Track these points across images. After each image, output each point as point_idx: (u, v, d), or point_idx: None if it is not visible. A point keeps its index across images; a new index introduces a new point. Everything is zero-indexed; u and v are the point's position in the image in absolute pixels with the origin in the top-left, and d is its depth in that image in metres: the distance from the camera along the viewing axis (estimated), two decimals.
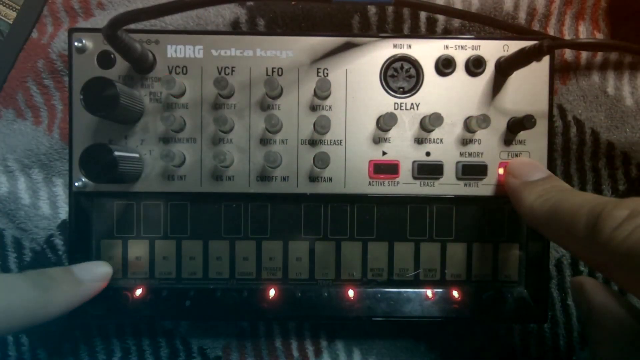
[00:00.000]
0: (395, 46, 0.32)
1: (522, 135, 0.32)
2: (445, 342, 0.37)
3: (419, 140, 0.32)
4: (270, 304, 0.33)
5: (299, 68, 0.32)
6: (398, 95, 0.32)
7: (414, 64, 0.32)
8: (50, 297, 0.26)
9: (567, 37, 0.36)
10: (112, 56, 0.31)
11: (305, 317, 0.35)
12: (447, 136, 0.32)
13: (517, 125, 0.31)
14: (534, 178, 0.29)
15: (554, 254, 0.37)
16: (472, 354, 0.37)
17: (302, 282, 0.34)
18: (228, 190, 0.32)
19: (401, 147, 0.32)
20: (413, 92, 0.32)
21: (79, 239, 0.33)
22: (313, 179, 0.32)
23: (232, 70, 0.32)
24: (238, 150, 0.32)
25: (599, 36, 0.36)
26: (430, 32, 0.36)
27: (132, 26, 0.27)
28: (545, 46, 0.29)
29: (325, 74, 0.32)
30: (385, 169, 0.32)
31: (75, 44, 0.31)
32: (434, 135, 0.32)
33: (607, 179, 0.36)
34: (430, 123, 0.31)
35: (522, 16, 0.36)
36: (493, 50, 0.32)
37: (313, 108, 0.32)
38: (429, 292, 0.34)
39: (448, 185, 0.32)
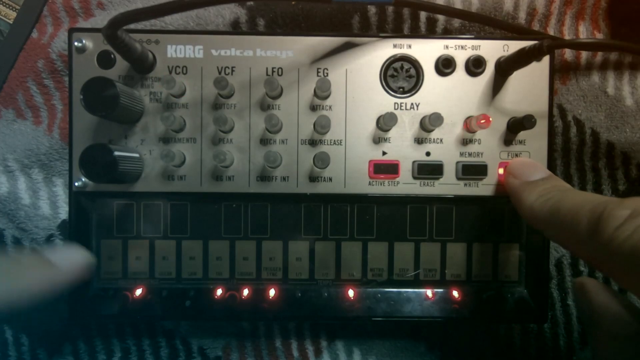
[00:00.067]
0: (395, 46, 0.32)
1: (522, 135, 0.32)
2: (445, 342, 0.37)
3: (419, 140, 0.32)
4: (270, 304, 0.33)
5: (299, 68, 0.32)
6: (398, 95, 0.32)
7: (414, 64, 0.32)
8: (17, 281, 0.26)
9: (567, 37, 0.36)
10: (112, 56, 0.31)
11: (305, 317, 0.35)
12: (447, 136, 0.32)
13: (517, 125, 0.31)
14: (534, 178, 0.29)
15: (554, 254, 0.37)
16: (472, 354, 0.37)
17: (302, 282, 0.34)
18: (228, 190, 0.32)
19: (401, 147, 0.32)
20: (413, 92, 0.32)
21: (79, 239, 0.33)
22: (313, 179, 0.32)
23: (232, 70, 0.32)
24: (238, 150, 0.32)
25: (599, 36, 0.36)
26: (430, 32, 0.36)
27: (132, 26, 0.27)
28: (545, 46, 0.29)
29: (325, 74, 0.32)
30: (385, 169, 0.32)
31: (75, 44, 0.31)
32: (434, 135, 0.32)
33: (607, 179, 0.36)
34: (430, 123, 0.31)
35: (522, 16, 0.36)
36: (493, 50, 0.32)
37: (313, 108, 0.32)
38: (429, 292, 0.34)
39: (448, 185, 0.32)
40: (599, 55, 0.36)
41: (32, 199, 0.36)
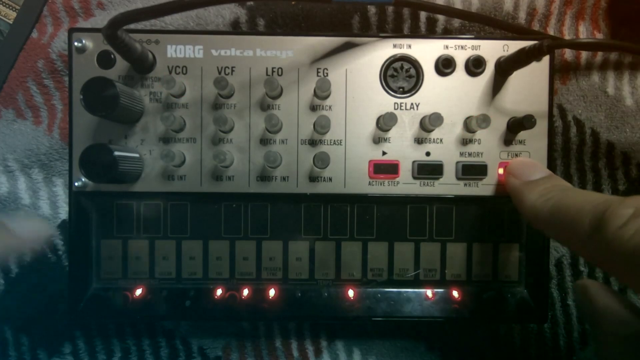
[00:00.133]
0: (395, 46, 0.32)
1: (522, 135, 0.32)
2: (445, 342, 0.37)
3: (419, 140, 0.32)
4: (270, 304, 0.33)
5: (299, 68, 0.32)
6: (398, 95, 0.32)
7: (414, 64, 0.32)
8: None
9: (567, 37, 0.36)
10: (112, 56, 0.31)
11: (305, 317, 0.35)
12: (447, 136, 0.32)
13: (517, 125, 0.31)
14: (534, 177, 0.29)
15: (554, 254, 0.37)
16: (472, 354, 0.37)
17: (302, 282, 0.34)
18: (228, 190, 0.32)
19: (401, 147, 0.32)
20: (413, 92, 0.32)
21: (79, 239, 0.33)
22: (313, 179, 0.32)
23: (232, 70, 0.32)
24: (238, 150, 0.32)
25: (599, 36, 0.36)
26: (430, 32, 0.36)
27: (132, 26, 0.27)
28: (545, 46, 0.29)
29: (325, 74, 0.32)
30: (385, 169, 0.32)
31: (75, 44, 0.31)
32: (434, 135, 0.32)
33: (607, 179, 0.36)
34: (430, 123, 0.31)
35: (522, 16, 0.36)
36: (493, 50, 0.32)
37: (313, 108, 0.32)
38: (429, 292, 0.34)
39: (448, 185, 0.32)
40: (599, 55, 0.36)
41: (32, 199, 0.36)
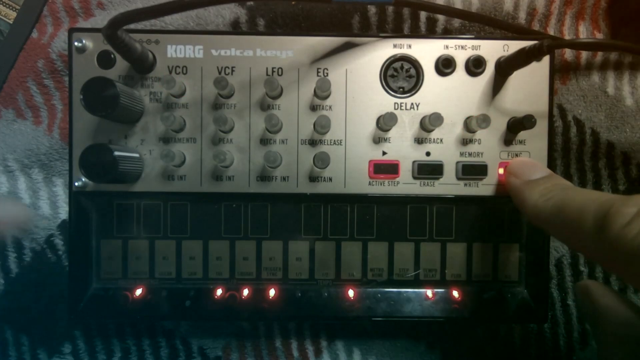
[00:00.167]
0: (395, 46, 0.32)
1: (522, 135, 0.32)
2: (445, 342, 0.37)
3: (419, 140, 0.32)
4: (270, 304, 0.33)
5: (299, 68, 0.32)
6: (398, 95, 0.32)
7: (414, 64, 0.32)
8: None
9: (567, 37, 0.36)
10: (112, 56, 0.31)
11: (305, 317, 0.35)
12: (447, 136, 0.32)
13: (517, 125, 0.31)
14: (535, 177, 0.29)
15: (554, 254, 0.37)
16: (472, 354, 0.37)
17: (302, 282, 0.34)
18: (228, 190, 0.32)
19: (401, 147, 0.32)
20: (413, 92, 0.32)
21: (79, 239, 0.33)
22: (313, 179, 0.32)
23: (232, 70, 0.32)
24: (238, 150, 0.32)
25: (599, 36, 0.36)
26: (430, 32, 0.36)
27: (132, 26, 0.27)
28: (545, 46, 0.29)
29: (325, 74, 0.32)
30: (385, 169, 0.32)
31: (75, 44, 0.31)
32: (434, 135, 0.32)
33: (607, 179, 0.36)
34: (430, 123, 0.31)
35: (522, 16, 0.36)
36: (493, 50, 0.32)
37: (313, 108, 0.32)
38: (429, 292, 0.34)
39: (448, 185, 0.32)
40: (599, 55, 0.36)
41: (32, 199, 0.36)
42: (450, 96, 0.32)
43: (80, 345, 0.36)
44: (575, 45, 0.33)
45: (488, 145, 0.32)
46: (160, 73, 0.32)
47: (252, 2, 0.35)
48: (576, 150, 0.36)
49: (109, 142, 0.31)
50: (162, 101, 0.32)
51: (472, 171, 0.32)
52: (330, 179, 0.32)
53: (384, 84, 0.32)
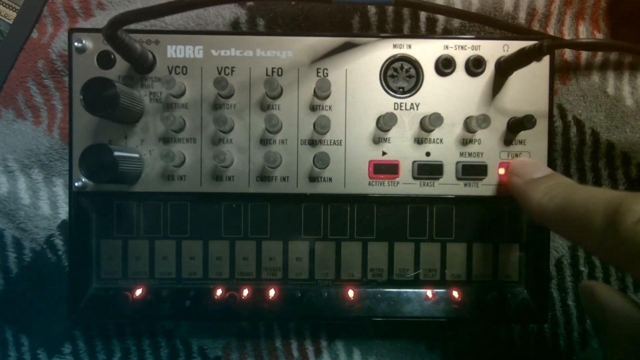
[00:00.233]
0: (395, 46, 0.32)
1: (522, 135, 0.32)
2: (445, 342, 0.37)
3: (419, 140, 0.32)
4: (270, 304, 0.33)
5: (299, 68, 0.32)
6: (398, 95, 0.32)
7: (414, 64, 0.32)
8: None
9: (567, 37, 0.36)
10: (112, 56, 0.31)
11: (305, 317, 0.35)
12: (447, 136, 0.32)
13: (517, 125, 0.31)
14: (537, 176, 0.28)
15: (554, 254, 0.37)
16: (472, 354, 0.37)
17: (302, 282, 0.34)
18: (228, 190, 0.32)
19: (401, 147, 0.32)
20: (413, 92, 0.32)
21: (79, 239, 0.33)
22: (313, 179, 0.32)
23: (232, 70, 0.32)
24: (238, 150, 0.32)
25: (599, 36, 0.36)
26: (430, 32, 0.36)
27: (132, 26, 0.27)
28: (545, 46, 0.29)
29: (325, 74, 0.32)
30: (385, 169, 0.32)
31: (75, 44, 0.31)
32: (434, 135, 0.32)
33: (607, 179, 0.36)
34: (430, 123, 0.31)
35: (522, 16, 0.36)
36: (493, 50, 0.32)
37: (313, 108, 0.32)
38: (429, 293, 0.34)
39: (448, 185, 0.32)
40: (599, 55, 0.36)
41: (32, 199, 0.36)
42: (450, 96, 0.32)
43: (80, 345, 0.36)
44: (575, 45, 0.33)
45: (488, 145, 0.32)
46: (160, 73, 0.32)
47: (252, 2, 0.35)
48: (576, 150, 0.36)
49: (109, 142, 0.31)
50: (162, 101, 0.32)
51: (472, 171, 0.32)
52: (330, 179, 0.32)
53: (383, 84, 0.32)
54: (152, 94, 0.32)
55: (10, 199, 0.35)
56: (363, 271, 0.34)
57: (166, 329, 0.36)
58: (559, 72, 0.36)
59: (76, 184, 0.32)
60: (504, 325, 0.37)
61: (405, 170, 0.32)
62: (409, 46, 0.32)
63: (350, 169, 0.32)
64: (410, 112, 0.32)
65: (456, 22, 0.36)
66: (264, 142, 0.32)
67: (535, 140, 0.32)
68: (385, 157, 0.32)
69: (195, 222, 0.33)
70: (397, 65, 0.32)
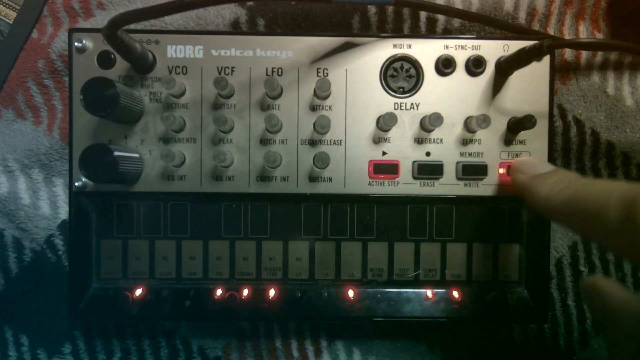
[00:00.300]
0: (395, 46, 0.32)
1: (522, 135, 0.32)
2: (445, 342, 0.37)
3: (419, 140, 0.32)
4: (270, 304, 0.33)
5: (299, 68, 0.32)
6: (398, 95, 0.32)
7: (414, 64, 0.32)
8: None
9: (567, 37, 0.36)
10: (112, 56, 0.31)
11: (305, 317, 0.35)
12: (447, 136, 0.32)
13: (518, 125, 0.31)
14: (542, 171, 0.28)
15: (554, 254, 0.37)
16: (472, 354, 0.37)
17: (302, 282, 0.34)
18: (228, 190, 0.32)
19: (401, 147, 0.32)
20: (413, 92, 0.32)
21: (79, 239, 0.33)
22: (313, 179, 0.32)
23: (232, 70, 0.32)
24: (238, 150, 0.32)
25: (599, 36, 0.36)
26: (430, 32, 0.36)
27: (132, 26, 0.27)
28: (545, 46, 0.29)
29: (325, 74, 0.32)
30: (385, 169, 0.32)
31: (75, 44, 0.31)
32: (434, 135, 0.32)
33: (607, 179, 0.36)
34: (430, 123, 0.31)
35: (522, 16, 0.36)
36: (493, 50, 0.32)
37: (313, 108, 0.32)
38: (429, 293, 0.34)
39: (448, 185, 0.32)
40: (599, 55, 0.36)
41: (32, 199, 0.36)
42: (450, 96, 0.32)
43: (80, 345, 0.36)
44: (575, 45, 0.33)
45: (488, 145, 0.32)
46: (160, 73, 0.32)
47: (252, 2, 0.35)
48: (576, 150, 0.36)
49: (109, 142, 0.31)
50: (162, 101, 0.32)
51: (472, 171, 0.32)
52: (330, 179, 0.32)
53: (384, 84, 0.32)
54: (152, 94, 0.32)
55: (10, 199, 0.35)
56: (363, 271, 0.34)
57: (166, 329, 0.36)
58: (559, 72, 0.36)
59: (76, 184, 0.32)
60: (504, 325, 0.37)
61: (405, 170, 0.32)
62: (409, 46, 0.32)
63: (350, 169, 0.32)
64: (410, 112, 0.32)
65: (456, 22, 0.36)
66: (264, 142, 0.32)
67: (536, 140, 0.32)
68: (385, 157, 0.32)
69: (195, 222, 0.33)
70: (397, 65, 0.32)
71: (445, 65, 0.32)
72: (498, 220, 0.34)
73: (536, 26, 0.36)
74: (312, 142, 0.32)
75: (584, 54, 0.36)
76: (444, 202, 0.33)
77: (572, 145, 0.36)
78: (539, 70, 0.32)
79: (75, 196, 0.32)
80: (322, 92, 0.31)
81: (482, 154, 0.32)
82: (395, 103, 0.32)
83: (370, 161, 0.32)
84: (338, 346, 0.37)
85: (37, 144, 0.36)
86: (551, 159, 0.32)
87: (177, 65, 0.32)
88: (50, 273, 0.36)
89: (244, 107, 0.32)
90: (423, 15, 0.36)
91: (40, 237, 0.36)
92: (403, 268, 0.34)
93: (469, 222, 0.34)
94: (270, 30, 0.36)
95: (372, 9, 0.35)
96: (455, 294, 0.34)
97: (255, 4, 0.35)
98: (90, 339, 0.36)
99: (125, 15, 0.25)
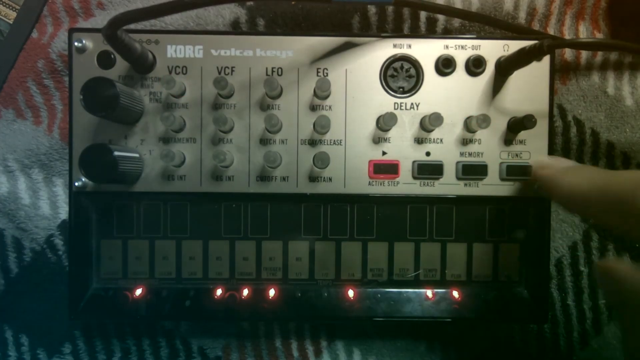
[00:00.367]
0: (395, 46, 0.32)
1: (522, 135, 0.32)
2: (445, 342, 0.37)
3: (419, 140, 0.32)
4: (270, 304, 0.33)
5: (298, 68, 0.32)
6: (398, 95, 0.32)
7: (414, 63, 0.32)
8: None
9: (567, 37, 0.36)
10: (112, 56, 0.31)
11: (305, 317, 0.35)
12: (447, 136, 0.32)
13: (518, 125, 0.31)
14: (566, 165, 0.28)
15: (554, 254, 0.37)
16: (472, 354, 0.37)
17: (302, 282, 0.34)
18: (228, 190, 0.32)
19: (401, 147, 0.32)
20: (413, 92, 0.32)
21: (79, 239, 0.33)
22: (313, 179, 0.32)
23: (232, 70, 0.32)
24: (238, 150, 0.32)
25: (599, 36, 0.36)
26: (430, 32, 0.36)
27: (132, 26, 0.27)
28: (545, 46, 0.29)
29: (325, 74, 0.32)
30: (385, 169, 0.32)
31: (75, 44, 0.31)
32: (434, 135, 0.32)
33: None
34: (430, 123, 0.31)
35: (522, 16, 0.36)
36: (493, 50, 0.32)
37: (313, 108, 0.32)
38: (429, 293, 0.34)
39: (448, 185, 0.32)
40: (599, 55, 0.36)
41: (32, 199, 0.36)
42: (450, 96, 0.32)
43: (80, 345, 0.36)
44: (575, 45, 0.33)
45: (488, 145, 0.32)
46: (160, 73, 0.32)
47: (252, 2, 0.35)
48: (576, 150, 0.36)
49: (109, 142, 0.31)
50: (162, 101, 0.32)
51: (472, 171, 0.32)
52: (330, 179, 0.32)
53: (384, 84, 0.32)
54: (152, 94, 0.32)
55: (10, 199, 0.35)
56: (363, 271, 0.34)
57: (166, 329, 0.36)
58: (559, 72, 0.36)
59: (76, 184, 0.32)
60: (504, 325, 0.37)
61: (405, 170, 0.32)
62: (409, 46, 0.32)
63: (350, 169, 0.32)
64: (410, 112, 0.32)
65: (456, 22, 0.36)
66: (264, 142, 0.32)
67: (536, 140, 0.32)
68: (385, 157, 0.32)
69: (195, 222, 0.33)
70: (397, 65, 0.32)
71: (445, 65, 0.32)
72: (498, 220, 0.34)
73: (536, 26, 0.36)
74: (312, 142, 0.32)
75: (584, 54, 0.36)
76: (444, 202, 0.33)
77: (572, 145, 0.36)
78: (539, 70, 0.32)
79: (75, 196, 0.32)
80: (322, 92, 0.31)
81: (482, 153, 0.32)
82: (395, 103, 0.32)
83: (370, 161, 0.32)
84: (338, 346, 0.37)
85: (37, 144, 0.36)
86: None
87: (177, 65, 0.32)
88: (50, 273, 0.36)
89: (244, 107, 0.32)
90: (423, 15, 0.36)
91: (40, 237, 0.36)
92: (403, 268, 0.34)
93: (469, 222, 0.34)
94: (270, 30, 0.36)
95: (372, 9, 0.36)
96: (456, 294, 0.34)
97: (255, 4, 0.35)
98: (90, 339, 0.36)
99: (125, 15, 0.25)
